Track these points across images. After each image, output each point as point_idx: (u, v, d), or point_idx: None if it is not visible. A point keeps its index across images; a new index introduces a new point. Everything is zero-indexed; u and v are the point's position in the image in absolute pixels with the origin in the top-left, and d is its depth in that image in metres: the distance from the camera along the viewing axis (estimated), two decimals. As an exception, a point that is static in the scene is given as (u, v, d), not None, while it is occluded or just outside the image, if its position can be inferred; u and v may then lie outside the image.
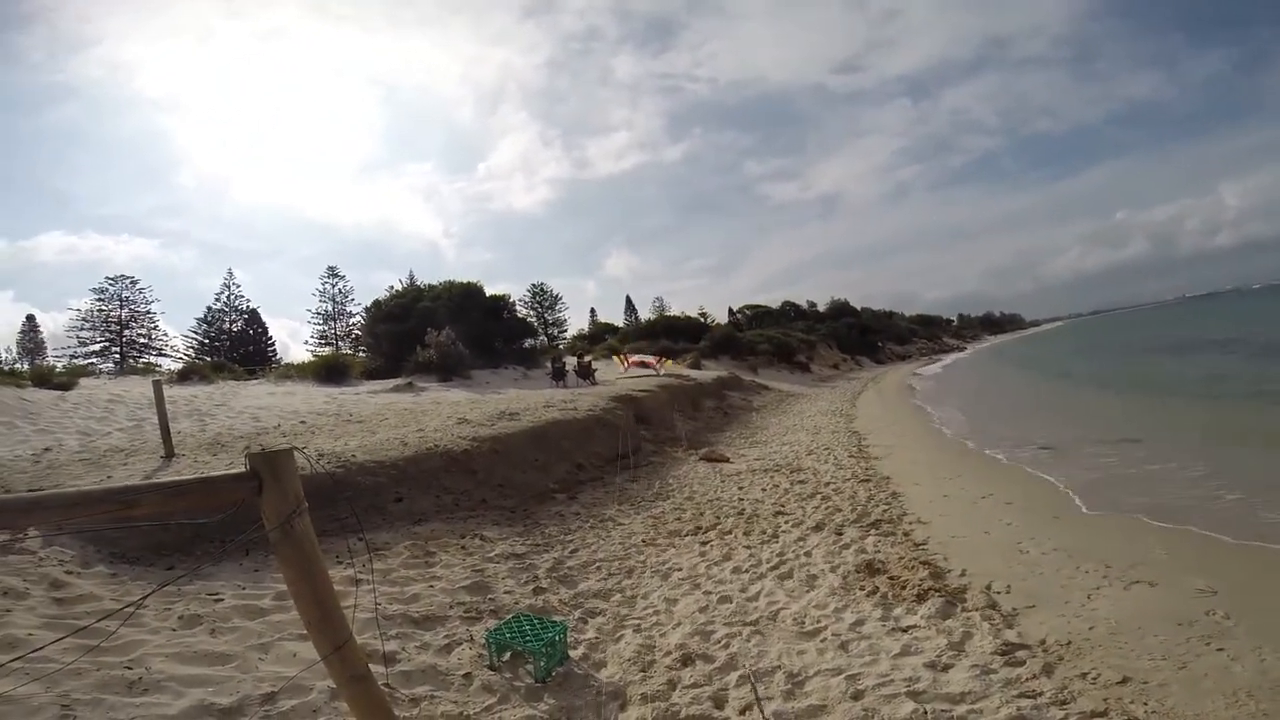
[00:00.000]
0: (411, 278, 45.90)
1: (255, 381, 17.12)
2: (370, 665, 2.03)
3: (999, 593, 3.92)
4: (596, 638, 3.53)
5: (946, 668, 3.02)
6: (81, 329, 41.24)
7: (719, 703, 2.83)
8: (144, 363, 39.13)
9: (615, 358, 21.57)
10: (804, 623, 3.60)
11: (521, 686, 2.96)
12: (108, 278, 43.29)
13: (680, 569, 4.64)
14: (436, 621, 3.62)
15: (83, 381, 14.68)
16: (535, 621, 3.29)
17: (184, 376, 16.66)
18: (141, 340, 43.52)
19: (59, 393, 12.05)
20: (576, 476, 7.72)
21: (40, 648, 2.65)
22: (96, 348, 41.35)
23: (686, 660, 3.19)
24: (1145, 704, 2.63)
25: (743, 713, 2.74)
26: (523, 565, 4.63)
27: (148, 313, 43.70)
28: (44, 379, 13.73)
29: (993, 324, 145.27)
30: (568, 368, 19.15)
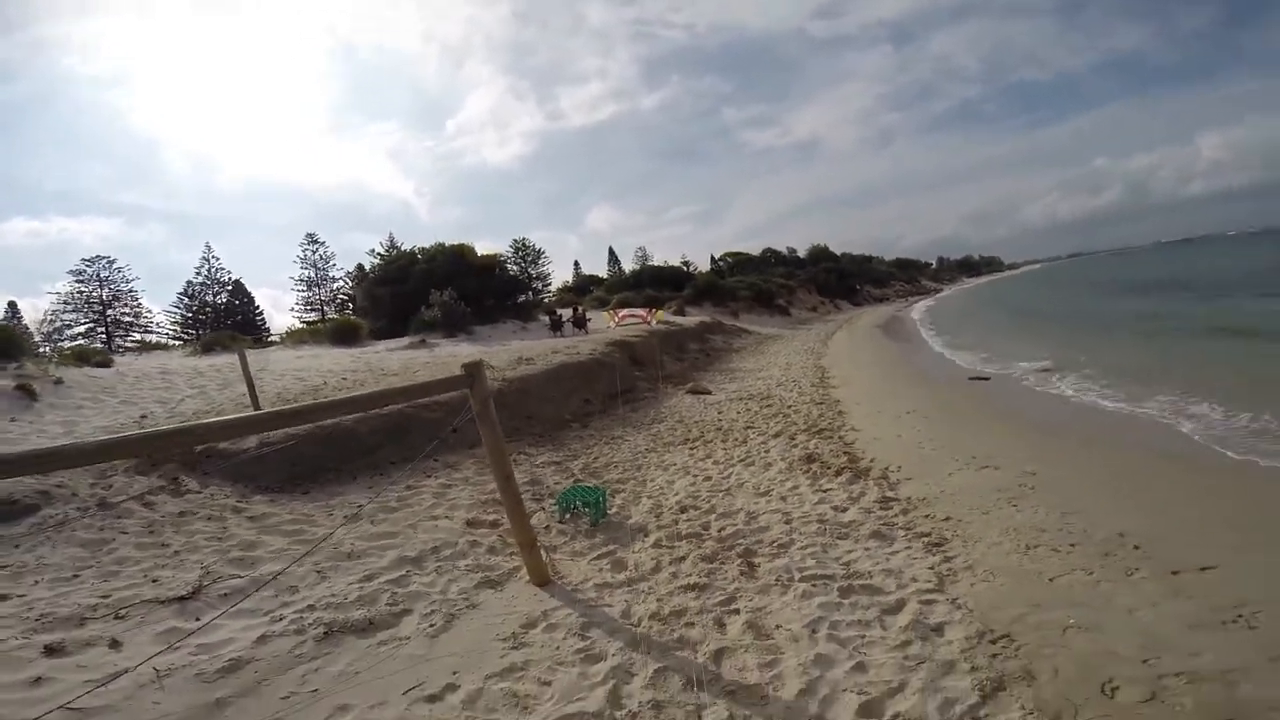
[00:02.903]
0: (392, 240, 46.38)
1: (275, 348, 18.54)
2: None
3: (892, 471, 5.67)
4: (623, 504, 5.32)
5: (844, 509, 4.79)
6: (64, 311, 41.27)
7: (705, 528, 4.63)
8: (134, 340, 39.64)
9: (605, 314, 23.10)
10: (759, 488, 5.43)
11: (582, 530, 4.75)
12: (83, 259, 42.91)
13: (675, 464, 6.47)
14: (514, 501, 5.36)
15: (116, 359, 15.95)
16: (584, 490, 5.08)
17: (208, 348, 17.99)
18: (126, 319, 43.66)
19: (113, 370, 13.39)
20: (585, 409, 9.47)
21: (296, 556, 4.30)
22: (81, 329, 41.45)
23: (684, 509, 5.02)
24: (955, 531, 4.24)
25: (720, 532, 4.52)
26: (561, 468, 6.43)
27: (130, 291, 43.67)
28: (86, 358, 14.99)
29: (970, 267, 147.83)
30: (564, 319, 20.77)
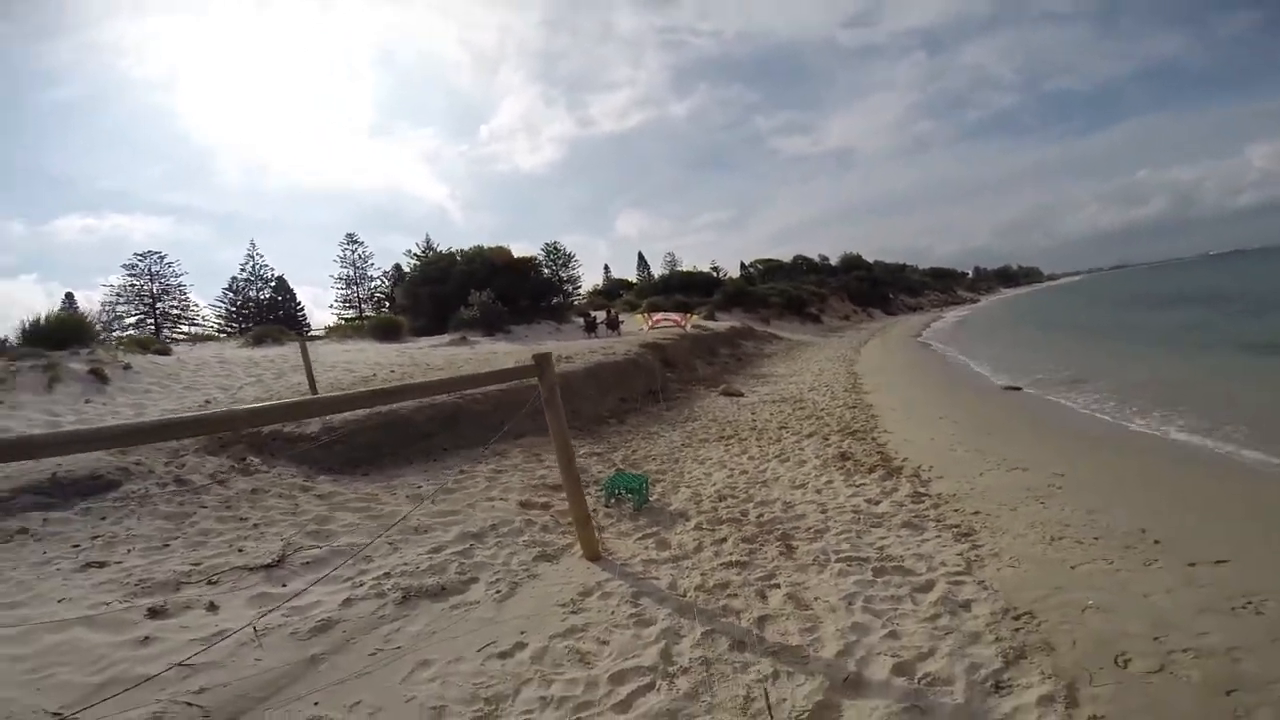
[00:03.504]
0: (428, 241, 47.46)
1: (320, 342, 19.28)
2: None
3: (924, 470, 5.86)
4: (663, 492, 5.65)
5: (877, 502, 5.03)
6: (117, 304, 43.52)
7: (743, 514, 4.93)
8: (181, 332, 41.37)
9: (639, 316, 23.48)
10: (795, 481, 5.70)
11: (627, 513, 5.08)
12: (136, 254, 45.57)
13: (711, 459, 6.77)
14: (563, 488, 5.71)
15: (174, 348, 16.77)
16: (627, 477, 5.41)
17: (259, 340, 18.74)
18: (175, 312, 45.67)
19: (173, 357, 14.13)
20: (622, 407, 9.83)
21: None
22: (132, 320, 43.58)
23: (721, 497, 5.31)
24: (984, 524, 4.44)
25: (759, 518, 4.81)
26: (603, 459, 6.79)
27: (178, 285, 45.85)
28: (146, 346, 15.82)
29: (1009, 277, 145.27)
30: (597, 320, 21.26)
